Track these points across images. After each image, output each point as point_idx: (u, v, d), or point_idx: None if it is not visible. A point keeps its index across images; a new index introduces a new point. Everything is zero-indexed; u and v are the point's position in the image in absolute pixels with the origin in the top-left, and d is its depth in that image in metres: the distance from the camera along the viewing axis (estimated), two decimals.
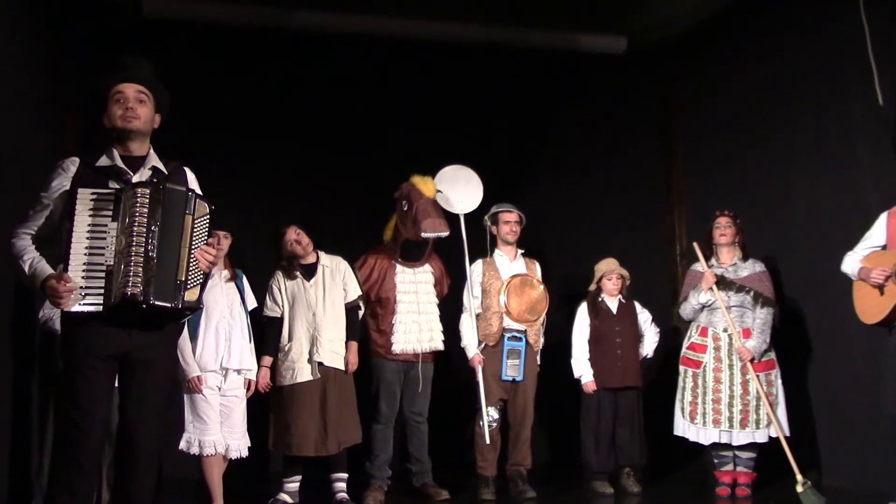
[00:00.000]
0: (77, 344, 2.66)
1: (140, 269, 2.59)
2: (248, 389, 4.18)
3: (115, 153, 2.78)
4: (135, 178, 2.76)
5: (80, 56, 4.91)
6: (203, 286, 2.78)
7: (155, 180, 2.69)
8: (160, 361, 2.80)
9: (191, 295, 2.71)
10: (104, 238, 2.63)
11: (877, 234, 3.81)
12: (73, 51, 4.88)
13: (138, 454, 2.74)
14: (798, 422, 4.56)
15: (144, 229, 2.61)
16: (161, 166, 2.85)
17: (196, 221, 2.74)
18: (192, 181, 2.95)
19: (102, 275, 2.61)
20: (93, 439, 2.65)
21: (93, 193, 2.65)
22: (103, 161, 2.77)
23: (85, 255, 2.60)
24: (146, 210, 2.62)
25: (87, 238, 2.61)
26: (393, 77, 5.70)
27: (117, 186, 2.70)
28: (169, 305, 2.66)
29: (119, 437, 2.78)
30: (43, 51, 4.44)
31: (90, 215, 2.63)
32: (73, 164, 2.73)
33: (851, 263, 3.85)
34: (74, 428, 2.63)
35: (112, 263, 2.62)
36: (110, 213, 2.64)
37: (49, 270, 2.63)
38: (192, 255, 2.71)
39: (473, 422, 4.69)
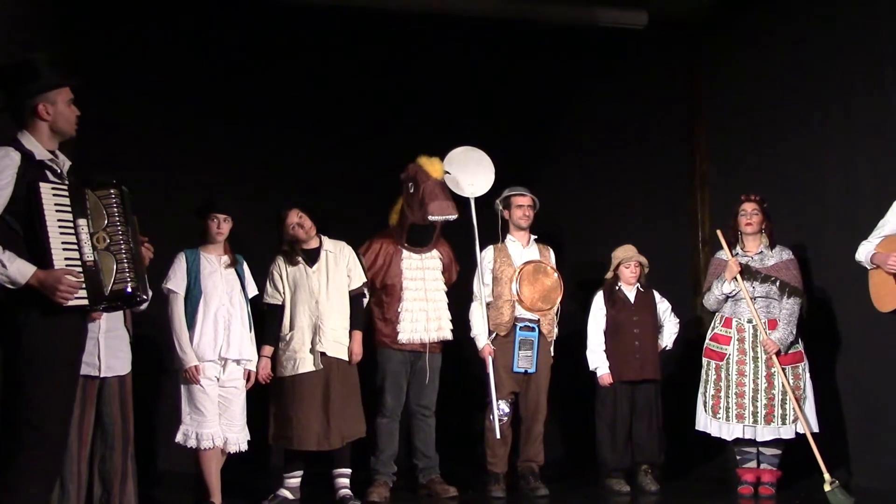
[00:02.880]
0: (64, 342, 2.79)
1: (132, 265, 2.85)
2: (247, 380, 4.21)
3: (39, 146, 2.86)
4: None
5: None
6: None
7: (115, 181, 2.91)
8: None
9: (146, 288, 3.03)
10: (72, 234, 2.78)
11: (892, 221, 3.84)
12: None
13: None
14: (826, 417, 4.55)
15: (124, 228, 2.86)
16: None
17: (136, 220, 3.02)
18: None
19: (79, 270, 2.76)
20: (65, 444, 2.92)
21: (53, 188, 2.78)
22: (40, 153, 2.85)
23: (62, 250, 2.74)
24: (122, 210, 2.87)
25: (60, 233, 2.75)
26: (401, 54, 5.68)
27: (57, 181, 2.83)
28: (147, 298, 3.03)
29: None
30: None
31: (56, 210, 2.75)
32: (15, 154, 2.78)
33: (865, 251, 3.87)
34: (55, 433, 2.75)
35: (91, 260, 2.79)
36: (68, 207, 2.78)
37: (30, 265, 2.70)
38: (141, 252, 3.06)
39: (483, 415, 4.71)
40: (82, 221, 2.80)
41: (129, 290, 2.82)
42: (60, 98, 2.89)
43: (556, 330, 4.79)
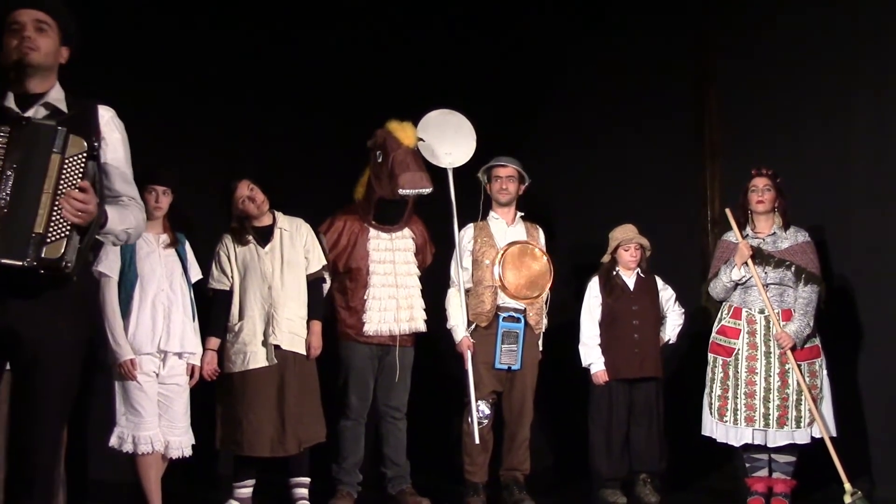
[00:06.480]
0: None
1: None
2: (191, 377, 4.23)
3: (10, 94, 2.74)
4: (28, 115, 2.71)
5: None
6: (69, 240, 2.62)
7: (21, 115, 2.66)
8: (51, 342, 2.64)
9: (52, 251, 2.58)
10: None
11: None
12: None
13: (34, 473, 2.64)
14: (846, 420, 4.59)
15: None
16: (63, 103, 2.79)
17: (66, 161, 2.64)
18: (109, 122, 2.86)
19: None
20: None
21: None
22: None
23: None
24: (1, 151, 2.58)
25: None
26: (366, 2, 5.65)
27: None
28: (19, 263, 2.54)
29: (10, 449, 2.65)
30: None
31: None
32: None
33: None
34: None
35: None
36: None
37: None
38: (57, 203, 2.61)
39: (460, 418, 4.73)
40: None
41: None
42: (6, 28, 2.71)
43: (544, 321, 4.82)
